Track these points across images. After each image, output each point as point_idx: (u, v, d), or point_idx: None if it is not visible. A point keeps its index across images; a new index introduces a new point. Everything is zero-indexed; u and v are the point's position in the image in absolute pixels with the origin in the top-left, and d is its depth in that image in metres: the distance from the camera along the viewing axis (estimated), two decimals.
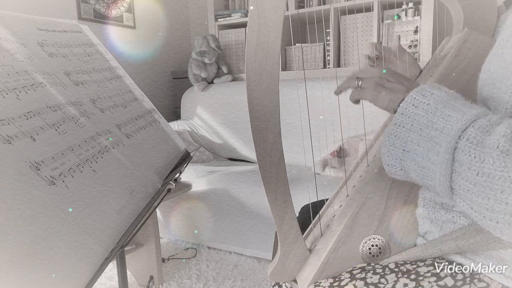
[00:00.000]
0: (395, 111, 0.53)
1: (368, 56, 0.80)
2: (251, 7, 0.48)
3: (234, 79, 2.60)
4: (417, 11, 2.05)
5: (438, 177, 0.43)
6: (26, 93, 0.63)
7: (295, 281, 0.63)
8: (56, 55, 0.82)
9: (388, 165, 0.52)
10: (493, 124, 0.41)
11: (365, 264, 0.58)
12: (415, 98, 0.49)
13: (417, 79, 0.80)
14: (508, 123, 0.40)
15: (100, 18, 2.31)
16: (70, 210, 0.56)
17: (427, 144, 0.45)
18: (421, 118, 0.47)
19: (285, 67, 2.45)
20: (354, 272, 0.56)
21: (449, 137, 0.42)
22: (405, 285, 0.51)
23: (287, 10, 2.15)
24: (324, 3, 2.29)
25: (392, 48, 0.82)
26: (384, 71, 0.57)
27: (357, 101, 0.59)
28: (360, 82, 0.57)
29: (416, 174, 0.49)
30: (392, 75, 0.56)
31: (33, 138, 0.58)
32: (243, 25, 2.57)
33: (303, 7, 2.32)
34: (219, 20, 2.61)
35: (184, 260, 1.76)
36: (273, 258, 0.70)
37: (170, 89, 2.91)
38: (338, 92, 0.62)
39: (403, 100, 0.50)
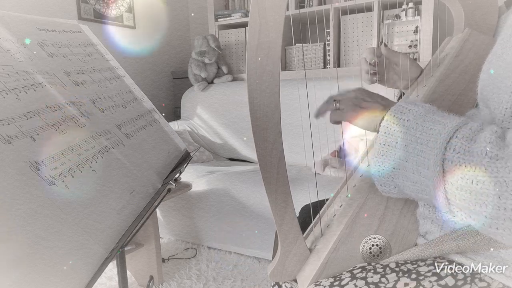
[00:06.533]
0: (375, 131, 0.53)
1: (367, 61, 0.81)
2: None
3: (234, 79, 2.59)
4: (417, 11, 2.05)
5: (432, 190, 0.44)
6: (26, 93, 0.63)
7: (295, 280, 0.63)
8: (56, 55, 0.82)
9: (381, 185, 0.53)
10: (475, 132, 0.42)
11: (365, 264, 0.58)
12: (394, 116, 0.50)
13: (418, 78, 0.80)
14: (491, 129, 0.41)
15: (100, 18, 2.31)
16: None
17: (415, 159, 0.46)
18: (404, 134, 0.48)
19: (285, 67, 2.45)
20: (355, 271, 0.56)
21: (436, 150, 0.43)
22: (406, 284, 0.51)
23: (287, 10, 2.15)
24: (324, 3, 2.29)
25: (386, 55, 0.83)
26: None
27: (337, 122, 0.60)
28: (338, 104, 0.58)
29: (410, 190, 0.49)
30: (368, 95, 0.58)
31: (33, 138, 0.58)
32: (243, 25, 2.57)
33: (303, 7, 2.32)
34: (219, 20, 2.60)
35: (184, 259, 1.76)
36: (273, 258, 0.70)
37: (170, 89, 2.91)
38: (317, 115, 0.63)
39: (383, 119, 0.51)
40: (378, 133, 0.52)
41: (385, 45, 0.83)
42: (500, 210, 0.38)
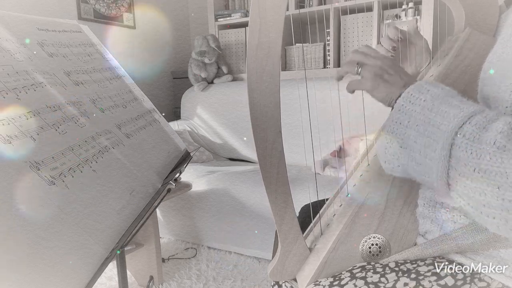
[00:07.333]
0: (390, 105, 0.53)
1: (390, 38, 0.79)
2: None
3: (234, 79, 2.59)
4: (417, 11, 2.05)
5: (435, 174, 0.44)
6: (26, 93, 0.63)
7: (295, 280, 0.63)
8: (56, 55, 0.82)
9: (385, 161, 0.52)
10: (490, 121, 0.41)
11: (365, 263, 0.58)
12: (411, 94, 0.49)
13: (426, 67, 0.79)
14: (505, 119, 0.40)
15: (100, 18, 2.31)
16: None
17: (424, 141, 0.45)
18: (418, 114, 0.47)
19: (285, 67, 2.45)
20: (354, 271, 0.56)
21: (446, 134, 0.42)
22: (406, 284, 0.51)
23: (287, 10, 2.16)
24: (324, 3, 2.29)
25: (410, 32, 0.81)
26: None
27: (352, 91, 0.59)
28: (359, 69, 0.57)
29: (413, 171, 0.49)
30: (392, 67, 0.55)
31: (33, 138, 0.58)
32: (243, 25, 2.57)
33: (303, 7, 2.32)
34: (219, 20, 2.61)
35: (184, 259, 1.76)
36: (273, 258, 0.70)
37: (170, 89, 2.91)
38: (339, 78, 0.62)
39: (399, 96, 0.50)
40: (392, 109, 0.51)
41: (416, 21, 0.80)
42: (498, 200, 0.38)
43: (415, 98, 0.48)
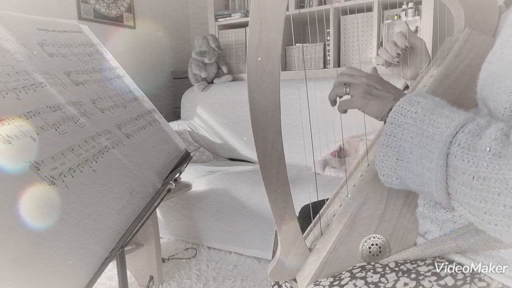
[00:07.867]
0: (382, 119, 0.53)
1: (396, 44, 0.78)
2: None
3: (234, 79, 2.59)
4: (417, 11, 2.05)
5: (434, 184, 0.44)
6: (26, 93, 0.63)
7: (295, 280, 0.63)
8: (56, 55, 0.82)
9: (383, 175, 0.53)
10: (482, 128, 0.42)
11: (365, 263, 0.58)
12: (402, 107, 0.50)
13: (425, 68, 0.79)
14: (497, 126, 0.41)
15: (100, 18, 2.31)
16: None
17: (419, 152, 0.46)
18: (411, 126, 0.48)
19: (285, 67, 2.45)
20: (354, 271, 0.56)
21: (441, 144, 0.43)
22: (406, 284, 0.51)
23: (287, 10, 2.15)
24: (324, 3, 2.29)
25: (406, 36, 0.81)
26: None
27: (345, 111, 0.60)
28: (348, 89, 0.58)
29: (411, 182, 0.49)
30: (379, 82, 0.57)
31: (33, 138, 0.58)
32: (243, 25, 2.57)
33: (303, 7, 2.32)
34: (219, 20, 2.61)
35: (184, 259, 1.76)
36: (273, 258, 0.70)
37: (170, 89, 2.91)
38: (332, 102, 0.63)
39: (391, 109, 0.51)
40: (385, 123, 0.52)
41: (408, 25, 0.80)
42: (499, 207, 0.38)
43: (406, 111, 0.49)
